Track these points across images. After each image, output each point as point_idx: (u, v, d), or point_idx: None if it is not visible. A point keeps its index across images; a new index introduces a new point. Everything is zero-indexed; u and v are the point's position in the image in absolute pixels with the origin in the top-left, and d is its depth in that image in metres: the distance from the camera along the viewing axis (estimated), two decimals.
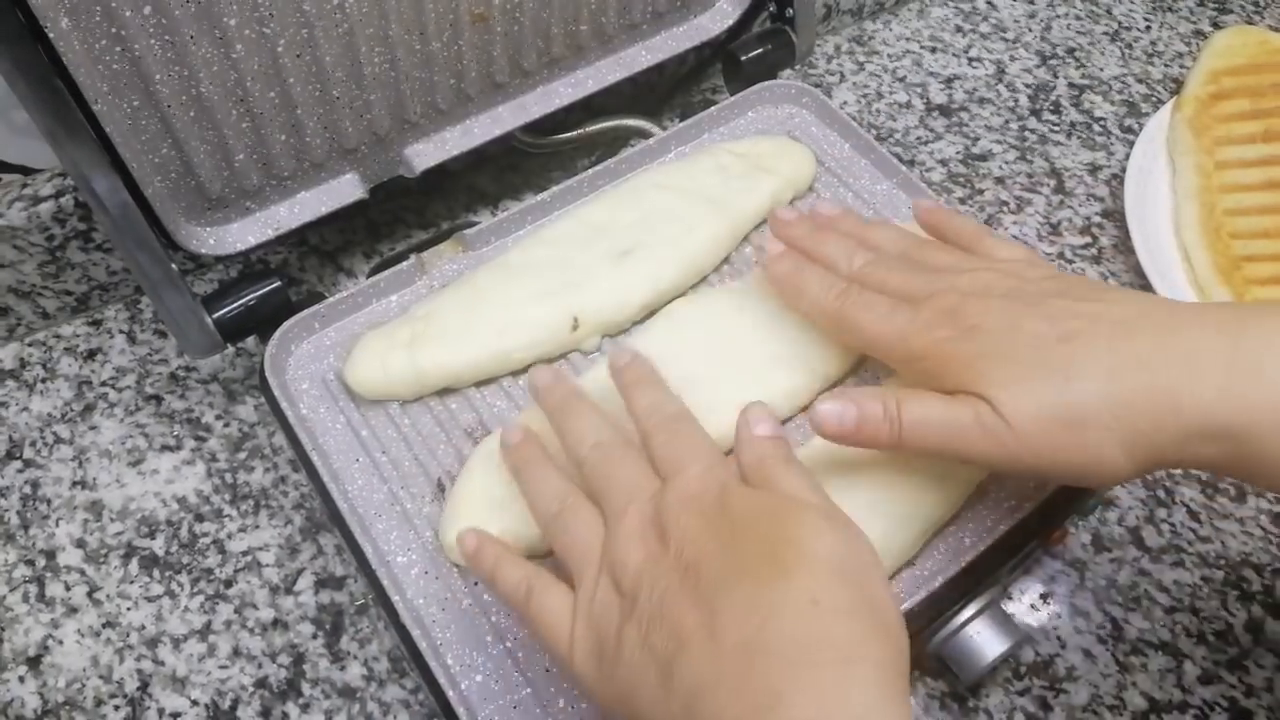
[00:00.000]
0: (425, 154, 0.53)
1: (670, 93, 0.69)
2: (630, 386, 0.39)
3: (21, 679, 0.47)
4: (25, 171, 0.55)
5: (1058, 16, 0.77)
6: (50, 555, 0.51)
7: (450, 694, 0.39)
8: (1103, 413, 0.33)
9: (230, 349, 0.50)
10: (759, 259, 0.45)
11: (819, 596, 0.30)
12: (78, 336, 0.59)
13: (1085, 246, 0.63)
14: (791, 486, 0.34)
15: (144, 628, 0.48)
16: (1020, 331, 0.36)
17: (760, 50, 0.59)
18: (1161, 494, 0.53)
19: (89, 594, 0.49)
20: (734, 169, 0.53)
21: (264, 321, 0.48)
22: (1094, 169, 0.67)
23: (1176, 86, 0.71)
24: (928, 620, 0.42)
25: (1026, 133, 0.69)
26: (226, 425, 0.55)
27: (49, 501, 0.52)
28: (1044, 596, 0.49)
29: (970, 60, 0.74)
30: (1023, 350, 0.35)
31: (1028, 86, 0.72)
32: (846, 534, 0.32)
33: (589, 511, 0.36)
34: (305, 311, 0.49)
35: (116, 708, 0.46)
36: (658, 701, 0.30)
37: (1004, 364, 0.35)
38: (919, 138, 0.68)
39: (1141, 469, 0.34)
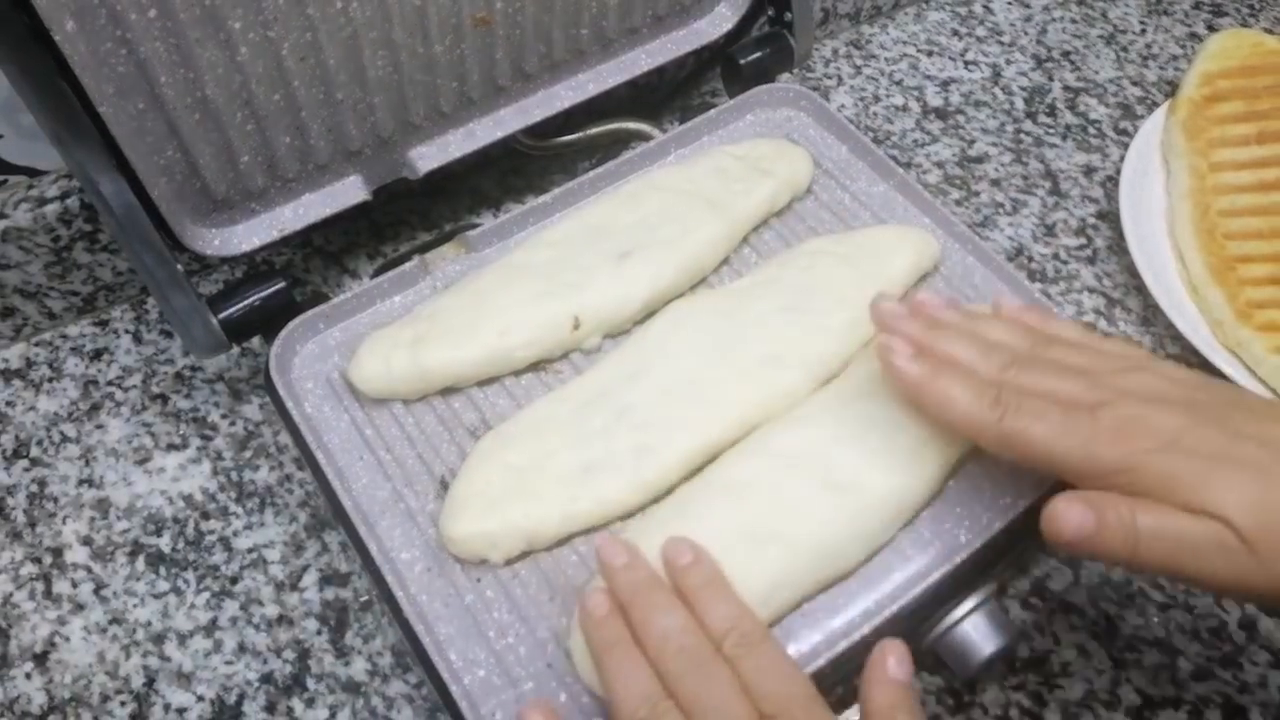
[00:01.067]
0: (428, 156, 0.54)
1: (670, 96, 0.69)
2: (698, 591, 0.38)
3: (28, 675, 0.47)
4: (31, 173, 0.55)
5: (1053, 20, 0.77)
6: (57, 553, 0.51)
7: (453, 689, 0.39)
8: None
9: (235, 349, 0.51)
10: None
11: None
12: (84, 337, 0.59)
13: (1080, 248, 0.63)
14: None
15: (150, 624, 0.49)
16: (1232, 450, 0.35)
17: (759, 54, 0.59)
18: None
19: (95, 591, 0.50)
20: (733, 171, 0.54)
21: (269, 322, 0.49)
22: (1089, 171, 0.67)
23: (1171, 89, 0.71)
24: (923, 616, 0.42)
25: (1022, 135, 0.69)
26: (232, 424, 0.55)
27: (56, 500, 0.53)
28: (1039, 593, 0.50)
29: (966, 63, 0.74)
30: (1248, 471, 0.34)
31: (1023, 89, 0.72)
32: None
33: None
34: (310, 312, 0.49)
35: (123, 704, 0.47)
36: None
37: (1236, 486, 0.34)
38: (916, 140, 0.69)
39: None
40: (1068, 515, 0.35)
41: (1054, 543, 0.36)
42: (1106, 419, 0.36)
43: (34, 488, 0.53)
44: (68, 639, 0.48)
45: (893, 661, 0.35)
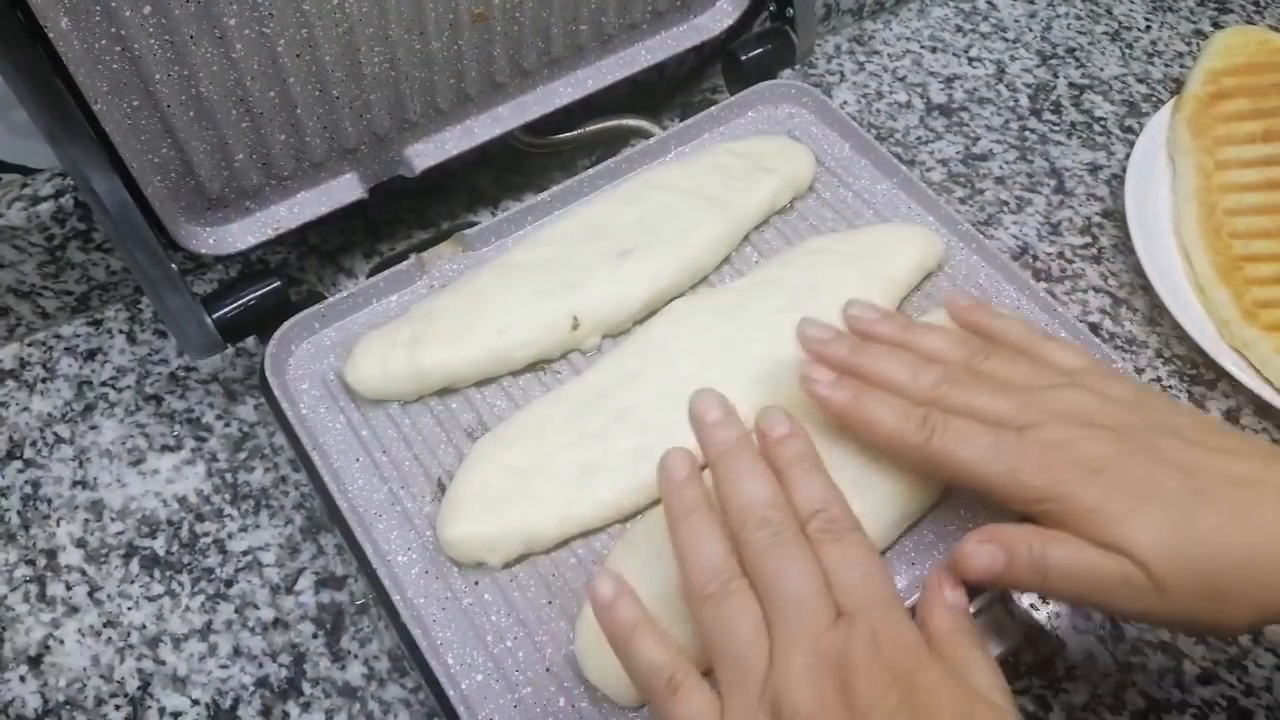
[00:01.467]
0: (425, 154, 0.53)
1: (670, 92, 0.69)
2: (791, 466, 0.36)
3: (22, 679, 0.47)
4: (25, 171, 0.55)
5: (1058, 16, 0.77)
6: (51, 555, 0.51)
7: (450, 693, 0.39)
8: (1241, 586, 0.34)
9: (230, 349, 0.50)
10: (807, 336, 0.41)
11: None
12: (78, 336, 0.59)
13: (1085, 246, 0.63)
14: (984, 682, 0.32)
15: (145, 627, 0.48)
16: (1152, 485, 0.35)
17: (760, 50, 0.59)
18: None
19: (90, 594, 0.49)
20: (734, 169, 0.53)
21: (264, 321, 0.48)
22: (1094, 169, 0.67)
23: (1177, 86, 0.71)
24: None
25: (1027, 132, 0.69)
26: (227, 425, 0.55)
27: (49, 501, 0.52)
28: (1043, 596, 0.49)
29: (970, 60, 0.74)
30: (1166, 509, 0.34)
31: (1028, 86, 0.72)
32: None
33: (753, 611, 0.33)
34: (305, 311, 0.49)
35: (117, 707, 0.46)
36: None
37: (1150, 525, 0.34)
38: (919, 137, 0.68)
39: (1256, 627, 0.35)
40: (978, 556, 0.35)
41: (964, 578, 0.36)
42: (1033, 444, 0.36)
43: (27, 489, 0.53)
44: (62, 642, 0.48)
45: (949, 587, 0.35)
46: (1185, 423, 0.37)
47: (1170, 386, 0.56)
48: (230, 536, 0.51)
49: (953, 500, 0.43)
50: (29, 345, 0.58)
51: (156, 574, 0.50)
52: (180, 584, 0.50)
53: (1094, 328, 0.59)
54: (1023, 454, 0.36)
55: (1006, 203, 0.65)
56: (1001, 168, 0.67)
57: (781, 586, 0.32)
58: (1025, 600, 0.49)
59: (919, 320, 0.46)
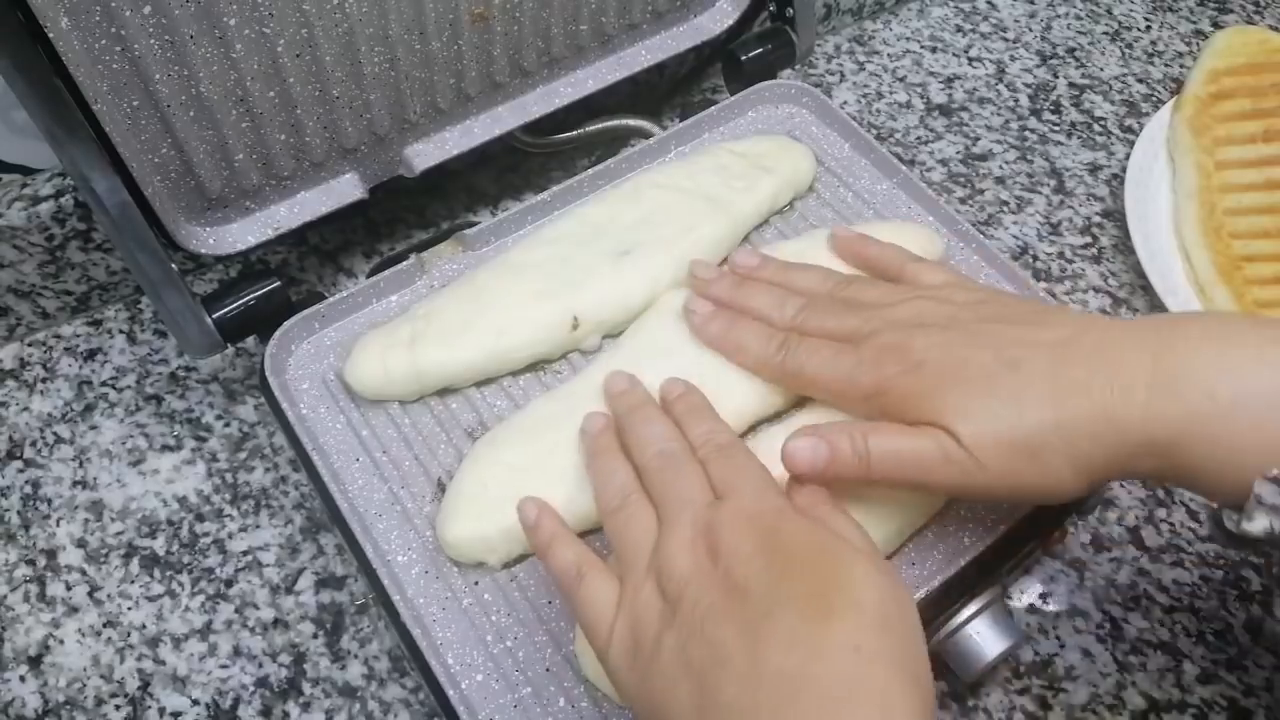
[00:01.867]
0: (425, 154, 0.53)
1: (670, 92, 0.69)
2: (685, 415, 0.40)
3: (22, 679, 0.47)
4: (25, 171, 0.55)
5: (1058, 16, 0.77)
6: (51, 555, 0.51)
7: (450, 693, 0.39)
8: (1053, 438, 0.35)
9: (230, 349, 0.50)
10: (687, 316, 0.46)
11: (861, 643, 0.30)
12: (78, 336, 0.59)
13: (1085, 246, 0.63)
14: (843, 527, 0.35)
15: (145, 627, 0.48)
16: (968, 363, 0.37)
17: (760, 50, 0.59)
18: (1161, 494, 0.53)
19: (90, 594, 0.49)
20: (734, 169, 0.53)
21: (264, 321, 0.48)
22: (1094, 169, 0.67)
23: (1177, 86, 0.70)
24: (928, 620, 0.42)
25: (1027, 132, 0.69)
26: (227, 425, 0.55)
27: (50, 501, 0.52)
28: (1043, 596, 0.49)
29: (970, 60, 0.74)
30: (975, 381, 0.36)
31: (1028, 86, 0.72)
32: (893, 585, 0.33)
33: (647, 513, 0.37)
34: (305, 311, 0.49)
35: (117, 707, 0.46)
36: (687, 712, 0.31)
37: (960, 396, 0.36)
38: (919, 137, 0.68)
39: (1092, 485, 0.36)
40: (801, 451, 0.38)
41: (793, 474, 0.38)
42: (868, 349, 0.40)
43: (27, 489, 0.53)
44: (62, 642, 0.48)
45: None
46: (1018, 311, 0.39)
47: None
48: (230, 536, 0.51)
49: (954, 504, 0.43)
50: (29, 345, 0.58)
51: (156, 574, 0.50)
52: (180, 584, 0.50)
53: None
54: (859, 360, 0.40)
55: (1006, 203, 0.65)
56: (1001, 168, 0.67)
57: (670, 491, 0.36)
58: (1025, 600, 0.49)
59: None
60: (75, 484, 0.53)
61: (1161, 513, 0.52)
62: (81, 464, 0.54)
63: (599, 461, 0.40)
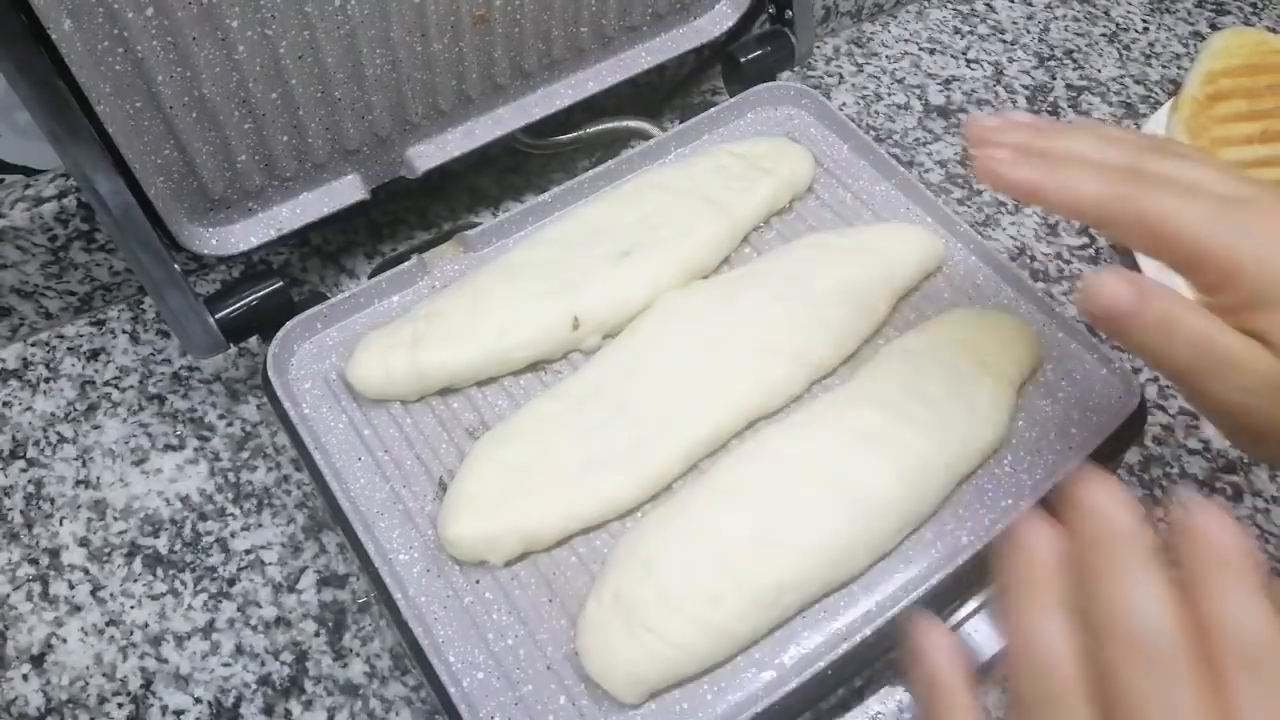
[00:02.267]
0: (427, 155, 0.53)
1: (670, 94, 0.69)
2: (1212, 572, 0.26)
3: (25, 677, 0.47)
4: (28, 172, 0.55)
5: (1056, 18, 0.77)
6: (54, 554, 0.51)
7: (452, 691, 0.39)
8: None
9: (233, 349, 0.50)
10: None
11: None
12: (81, 337, 0.59)
13: (1083, 247, 0.63)
14: None
15: (147, 626, 0.49)
16: None
17: (759, 52, 0.59)
18: (1158, 493, 0.53)
19: (92, 592, 0.50)
20: (733, 170, 0.53)
21: (266, 321, 0.49)
22: None
23: (1174, 88, 0.71)
24: None
25: None
26: (229, 425, 0.55)
27: (53, 500, 0.53)
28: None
29: (968, 62, 0.74)
30: None
31: (1026, 88, 0.72)
32: None
33: None
34: (307, 311, 0.49)
35: (120, 705, 0.46)
36: None
37: None
38: (917, 139, 0.69)
39: None
40: (1106, 286, 0.31)
41: (1085, 309, 0.32)
42: (1256, 215, 0.31)
43: (30, 488, 0.53)
44: (65, 640, 0.48)
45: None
46: None
47: (1167, 386, 0.57)
48: (233, 535, 0.51)
49: (951, 502, 0.44)
50: (32, 345, 0.58)
51: (159, 573, 0.50)
52: (183, 582, 0.50)
53: (1091, 328, 0.59)
54: (1244, 224, 0.31)
55: (1005, 203, 0.65)
56: None
57: (1142, 713, 0.24)
58: None
59: (910, 334, 0.47)
60: (78, 483, 0.53)
61: (1159, 511, 0.52)
62: (84, 463, 0.54)
63: (1020, 599, 0.27)
